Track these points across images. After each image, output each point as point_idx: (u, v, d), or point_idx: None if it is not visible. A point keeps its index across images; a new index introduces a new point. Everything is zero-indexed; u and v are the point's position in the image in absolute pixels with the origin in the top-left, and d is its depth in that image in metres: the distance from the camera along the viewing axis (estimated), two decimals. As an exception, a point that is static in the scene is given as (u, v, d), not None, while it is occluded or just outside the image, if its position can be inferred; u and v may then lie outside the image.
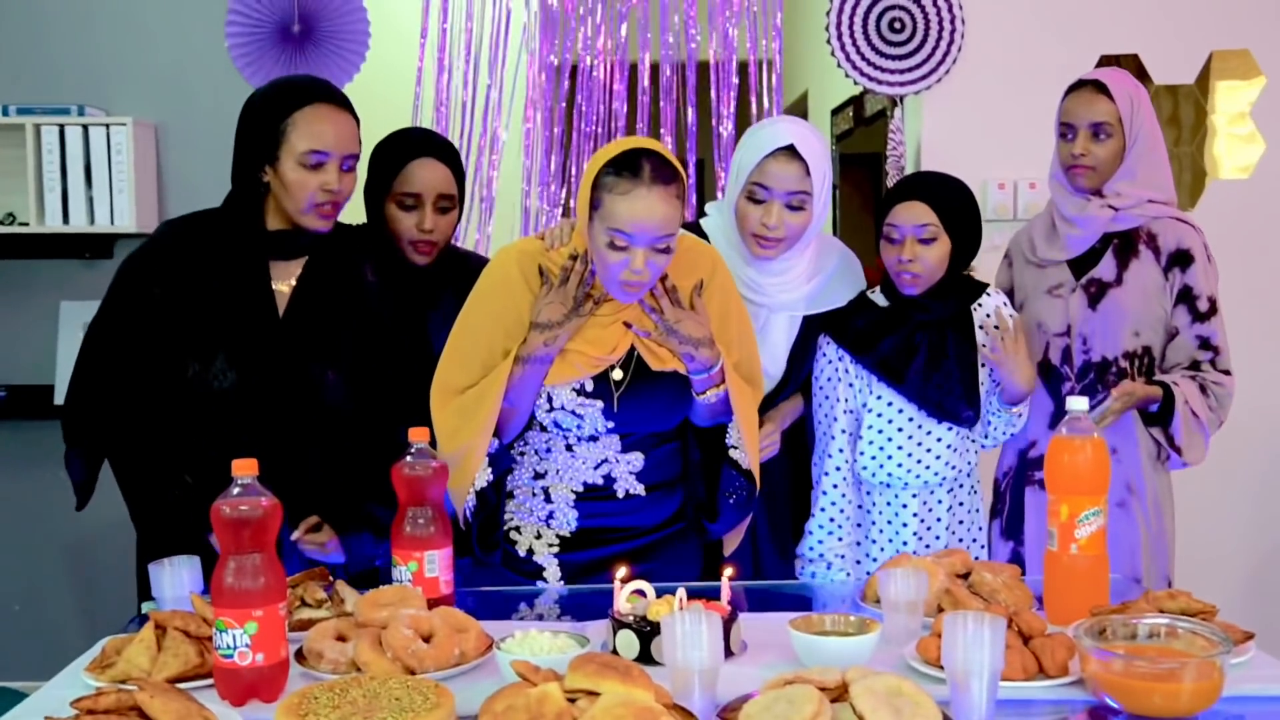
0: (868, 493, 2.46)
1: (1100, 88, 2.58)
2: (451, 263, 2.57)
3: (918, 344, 2.40)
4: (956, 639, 1.44)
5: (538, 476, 2.17)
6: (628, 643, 1.66)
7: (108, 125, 3.50)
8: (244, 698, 1.52)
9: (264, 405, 2.17)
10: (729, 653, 1.67)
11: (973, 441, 2.47)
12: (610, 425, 2.12)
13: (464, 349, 2.12)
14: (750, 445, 2.18)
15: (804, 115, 6.37)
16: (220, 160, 3.57)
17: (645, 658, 1.64)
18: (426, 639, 1.62)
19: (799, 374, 2.49)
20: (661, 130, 4.37)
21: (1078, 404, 1.83)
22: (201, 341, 2.17)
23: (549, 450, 2.16)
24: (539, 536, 2.17)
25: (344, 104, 2.22)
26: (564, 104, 4.36)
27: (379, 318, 2.29)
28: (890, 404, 2.41)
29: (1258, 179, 3.72)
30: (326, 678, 1.55)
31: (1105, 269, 2.61)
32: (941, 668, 1.50)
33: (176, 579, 1.81)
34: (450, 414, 2.10)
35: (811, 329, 2.46)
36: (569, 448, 2.14)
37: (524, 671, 1.40)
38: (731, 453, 2.19)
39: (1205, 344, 2.59)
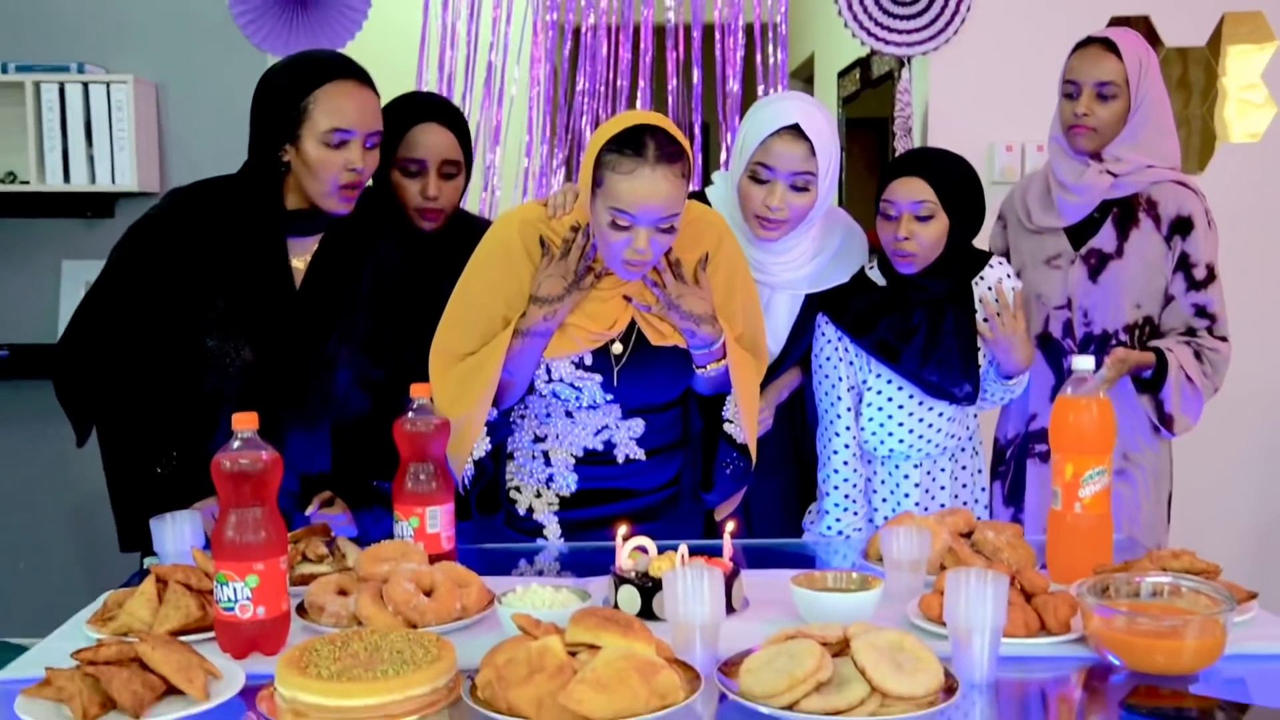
0: (868, 462, 2.45)
1: (1109, 46, 2.52)
2: (463, 229, 2.48)
3: (916, 324, 2.35)
4: (959, 595, 1.43)
5: (538, 440, 2.17)
6: (629, 598, 1.66)
7: (108, 84, 3.47)
8: (245, 650, 1.52)
9: (279, 380, 2.14)
10: (731, 609, 1.67)
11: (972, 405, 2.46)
12: (609, 398, 2.11)
13: (463, 316, 2.10)
14: (749, 419, 2.17)
15: (810, 79, 6.33)
16: (221, 119, 3.62)
17: (647, 613, 1.64)
18: (428, 593, 1.62)
19: (798, 350, 2.46)
20: (667, 95, 4.35)
21: (1083, 363, 1.82)
22: (217, 316, 2.13)
23: (549, 415, 2.15)
24: (539, 496, 2.17)
25: (366, 80, 2.15)
26: (567, 65, 4.34)
27: (395, 291, 2.26)
28: (890, 381, 2.38)
29: (1268, 143, 3.68)
30: (328, 631, 1.55)
31: (1105, 239, 2.56)
32: (943, 624, 1.49)
33: (178, 533, 1.80)
34: (449, 382, 2.08)
35: (811, 306, 2.43)
36: (569, 414, 2.13)
37: (525, 625, 1.40)
38: (726, 426, 2.18)
39: (1201, 311, 2.54)
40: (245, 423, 1.54)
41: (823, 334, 2.43)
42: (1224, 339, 2.55)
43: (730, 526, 1.78)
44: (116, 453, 2.18)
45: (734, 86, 4.22)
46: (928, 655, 1.38)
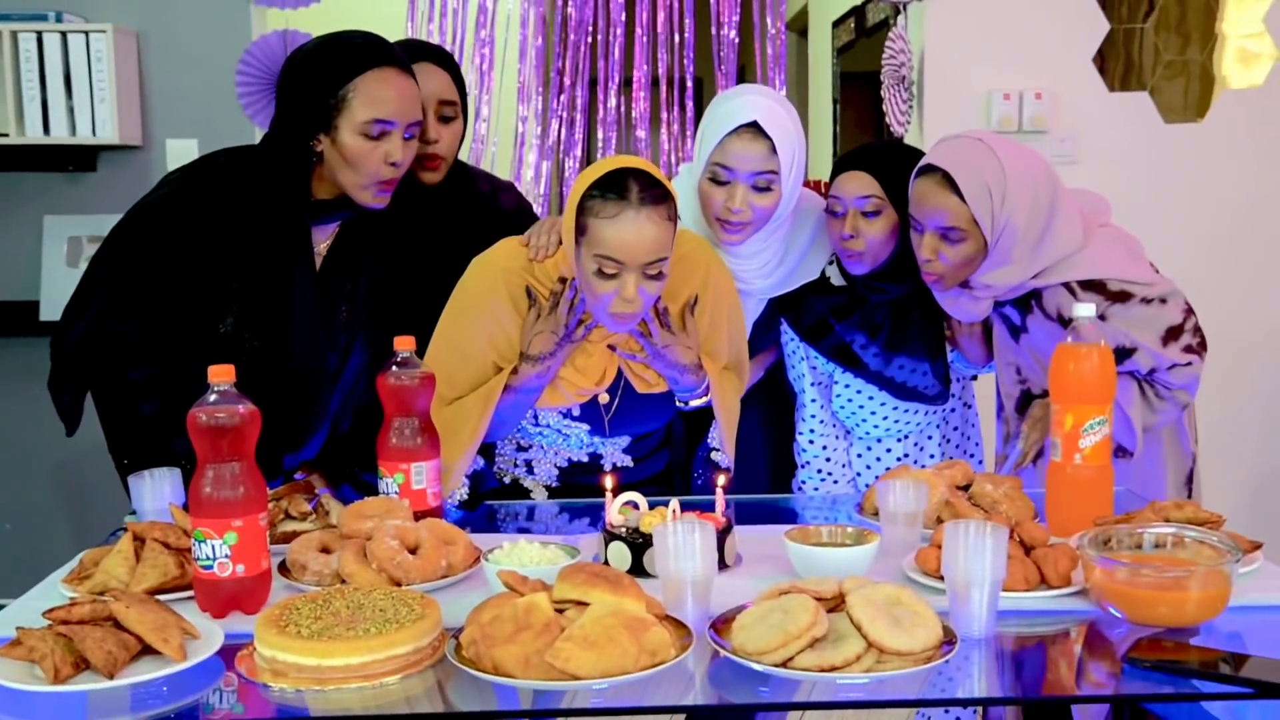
0: (847, 432, 2.42)
1: (948, 179, 2.05)
2: (464, 186, 2.40)
3: (879, 323, 2.26)
4: (957, 548, 1.40)
5: (521, 449, 2.14)
6: (620, 554, 1.63)
7: (87, 33, 3.40)
8: (225, 609, 1.48)
9: (294, 361, 2.08)
10: (724, 564, 1.63)
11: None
12: (599, 439, 2.09)
13: (449, 361, 2.00)
14: (729, 439, 2.15)
15: (804, 29, 6.24)
16: (204, 69, 3.54)
17: (638, 569, 1.60)
18: (412, 550, 1.58)
19: (763, 344, 2.38)
20: (658, 47, 4.27)
21: (1084, 310, 1.77)
22: (234, 301, 2.04)
23: (536, 427, 2.11)
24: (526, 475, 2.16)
25: (406, 67, 2.04)
26: (560, 17, 4.26)
27: (411, 277, 2.20)
28: (857, 376, 2.32)
29: (1270, 88, 3.62)
30: (310, 590, 1.51)
31: (1011, 313, 2.21)
32: (941, 578, 1.46)
33: (157, 490, 1.76)
34: (438, 414, 1.98)
35: (776, 302, 2.34)
36: (560, 433, 2.11)
37: (511, 582, 1.37)
38: (713, 454, 2.17)
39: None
40: (222, 375, 1.49)
41: (785, 333, 2.37)
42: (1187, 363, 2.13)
43: (722, 480, 1.74)
44: (125, 452, 2.07)
45: (730, 34, 4.15)
46: (925, 610, 1.34)
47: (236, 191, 2.05)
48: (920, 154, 2.17)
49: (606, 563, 1.63)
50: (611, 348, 2.03)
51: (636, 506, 1.68)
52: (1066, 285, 2.11)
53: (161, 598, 1.46)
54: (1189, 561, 1.49)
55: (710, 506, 1.72)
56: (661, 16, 4.28)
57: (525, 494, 2.15)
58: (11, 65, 3.38)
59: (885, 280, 2.23)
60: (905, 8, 3.66)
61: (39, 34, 3.38)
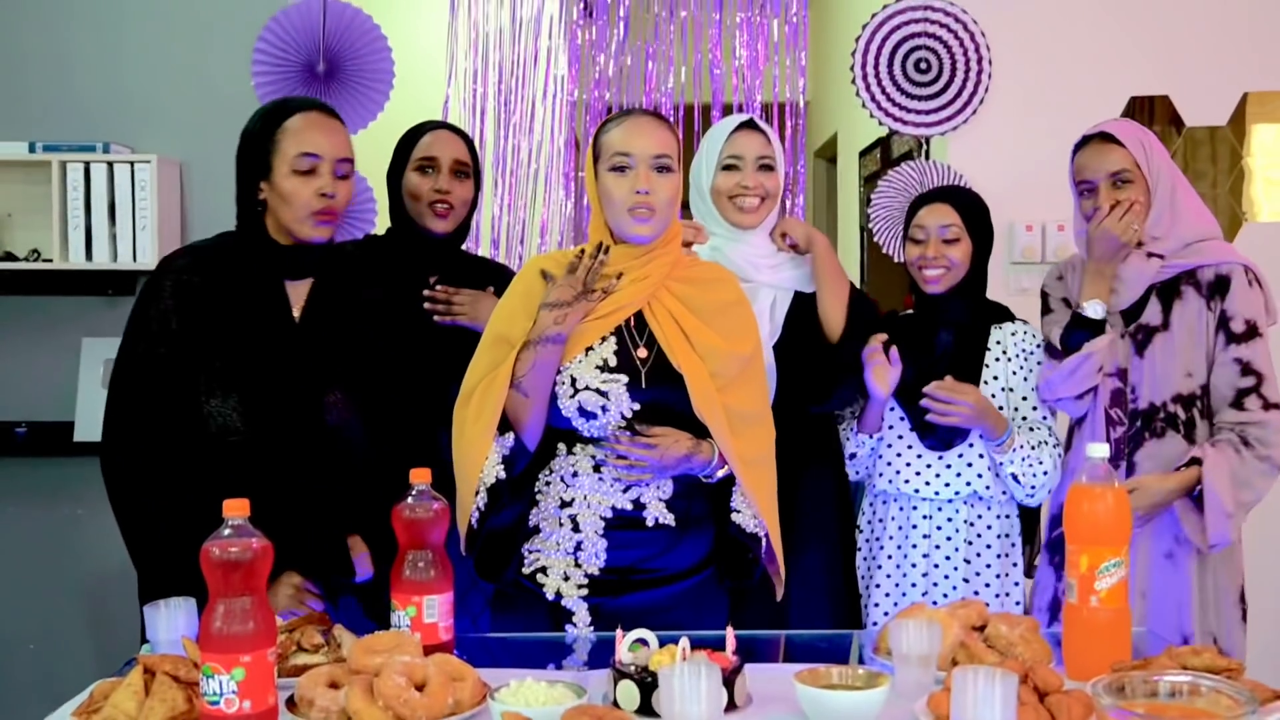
0: (884, 503, 2.64)
1: (1108, 138, 2.54)
2: (470, 268, 2.71)
3: (942, 346, 2.59)
4: (966, 696, 1.38)
5: (564, 505, 2.13)
6: (628, 694, 1.61)
7: (132, 163, 3.51)
8: (230, 746, 1.48)
9: (275, 428, 2.14)
10: (733, 705, 1.61)
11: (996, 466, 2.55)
12: (636, 407, 2.09)
13: (482, 348, 2.17)
14: (765, 505, 2.15)
15: (833, 158, 6.35)
16: (244, 198, 3.64)
17: (646, 709, 1.59)
18: (420, 687, 1.57)
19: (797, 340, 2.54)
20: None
21: (1098, 451, 1.77)
22: (218, 368, 2.14)
23: (575, 475, 2.12)
24: (566, 579, 2.12)
25: (335, 115, 2.26)
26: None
27: (383, 335, 2.30)
28: (902, 419, 2.59)
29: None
30: (317, 726, 1.51)
31: (1151, 314, 2.55)
32: (951, 725, 1.44)
33: (172, 621, 1.77)
34: (468, 407, 2.12)
35: (801, 302, 2.56)
36: (596, 468, 2.11)
37: (515, 724, 1.36)
38: (734, 516, 2.16)
39: (1246, 369, 2.47)
40: (236, 510, 1.51)
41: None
42: (1275, 406, 2.47)
43: (730, 634, 1.72)
44: (136, 522, 2.14)
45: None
46: (932, 760, 1.32)
47: (206, 258, 2.23)
48: (980, 198, 2.65)
49: (615, 702, 1.61)
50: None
51: (647, 644, 1.68)
52: (1222, 248, 2.57)
53: (168, 733, 1.46)
54: (1205, 712, 1.46)
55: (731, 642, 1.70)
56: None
57: (568, 616, 2.11)
58: (59, 194, 3.49)
59: (959, 296, 2.60)
60: (929, 140, 3.73)
61: (87, 164, 3.50)
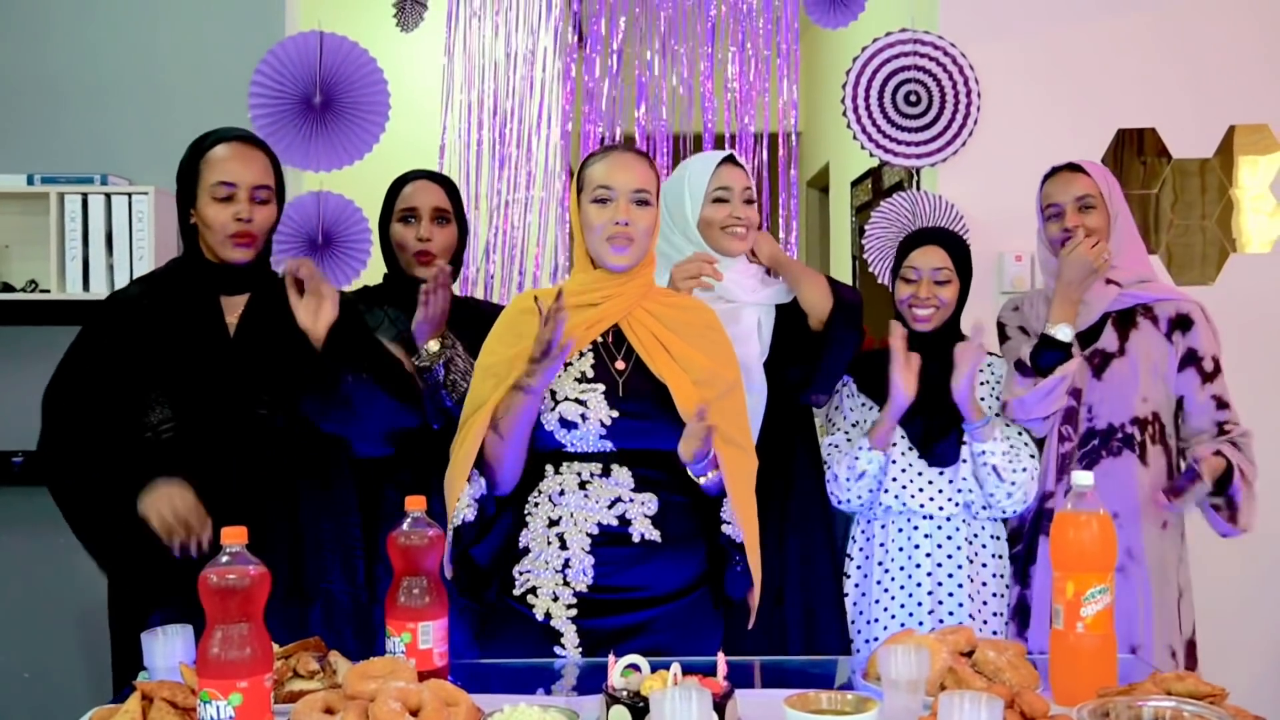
0: (882, 526, 2.69)
1: (1075, 168, 2.74)
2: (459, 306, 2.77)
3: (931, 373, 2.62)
4: (953, 720, 1.40)
5: (552, 524, 2.17)
6: (621, 718, 1.63)
7: (130, 194, 3.54)
8: (227, 771, 1.49)
9: (210, 423, 2.30)
10: (724, 730, 1.63)
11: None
12: (615, 415, 2.14)
13: (475, 384, 2.24)
14: (746, 519, 2.17)
15: (825, 188, 6.41)
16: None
17: (638, 734, 1.61)
18: (414, 713, 1.59)
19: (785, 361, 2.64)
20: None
21: (1083, 479, 1.80)
22: (162, 375, 2.30)
23: (562, 493, 2.17)
24: (555, 599, 2.14)
25: (255, 142, 2.41)
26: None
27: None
28: (902, 436, 2.67)
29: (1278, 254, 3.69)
30: (312, 751, 1.53)
31: (1107, 340, 2.70)
32: (939, 749, 1.46)
33: (169, 648, 1.79)
34: (456, 436, 2.22)
35: (786, 317, 2.66)
36: (582, 485, 2.15)
37: (508, 748, 1.38)
38: (725, 528, 2.19)
39: (1221, 403, 2.68)
40: (234, 537, 1.53)
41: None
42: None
43: (721, 658, 1.74)
44: (88, 526, 2.43)
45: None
46: (919, 783, 1.34)
47: (154, 285, 2.41)
48: (964, 241, 2.80)
49: (607, 728, 1.63)
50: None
51: (639, 669, 1.70)
52: (1175, 292, 2.77)
53: (165, 759, 1.48)
54: (1188, 736, 1.48)
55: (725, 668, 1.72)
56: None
57: (557, 637, 2.14)
58: (57, 225, 3.52)
59: (944, 331, 2.72)
60: (919, 171, 3.77)
61: (84, 196, 3.53)
